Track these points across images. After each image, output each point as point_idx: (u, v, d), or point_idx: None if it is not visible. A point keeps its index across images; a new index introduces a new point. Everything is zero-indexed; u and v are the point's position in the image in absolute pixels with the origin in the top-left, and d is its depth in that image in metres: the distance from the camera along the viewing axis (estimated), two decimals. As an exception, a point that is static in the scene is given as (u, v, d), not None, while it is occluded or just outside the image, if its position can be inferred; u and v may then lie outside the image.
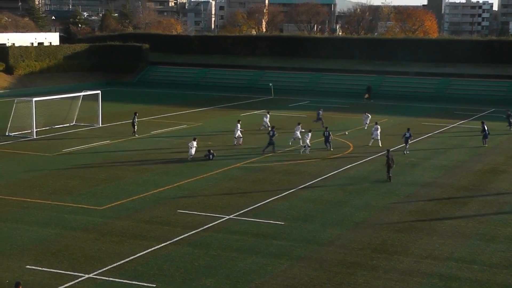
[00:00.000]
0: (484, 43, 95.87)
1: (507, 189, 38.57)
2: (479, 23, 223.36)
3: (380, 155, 46.93)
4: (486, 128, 51.07)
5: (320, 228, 30.67)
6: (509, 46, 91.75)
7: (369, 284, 24.38)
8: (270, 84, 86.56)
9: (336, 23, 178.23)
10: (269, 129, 49.51)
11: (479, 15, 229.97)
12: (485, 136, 51.02)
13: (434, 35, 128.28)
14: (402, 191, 37.51)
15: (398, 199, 35.88)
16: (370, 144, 50.00)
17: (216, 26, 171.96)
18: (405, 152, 47.36)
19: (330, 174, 41.40)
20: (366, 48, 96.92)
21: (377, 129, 50.33)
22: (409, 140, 48.12)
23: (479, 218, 32.71)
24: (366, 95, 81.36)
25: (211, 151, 45.05)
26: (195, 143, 44.94)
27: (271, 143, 47.40)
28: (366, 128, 57.39)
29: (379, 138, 50.09)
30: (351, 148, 49.62)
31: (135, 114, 55.49)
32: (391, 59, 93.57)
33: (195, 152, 44.83)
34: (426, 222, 31.88)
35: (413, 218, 32.47)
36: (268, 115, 58.10)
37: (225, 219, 31.80)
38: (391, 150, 41.44)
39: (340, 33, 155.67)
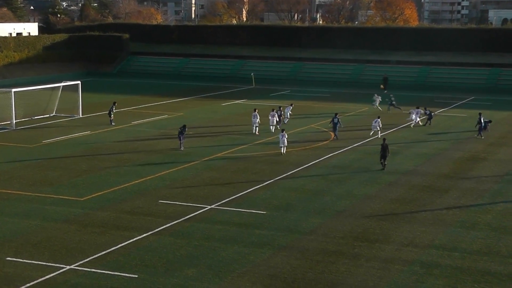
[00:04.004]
0: (464, 31, 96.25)
1: (487, 177, 38.84)
2: (458, 12, 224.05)
3: (360, 144, 47.15)
4: (482, 120, 50.38)
5: (302, 217, 30.74)
6: (489, 34, 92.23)
7: (350, 272, 24.49)
8: (251, 74, 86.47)
9: (317, 12, 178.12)
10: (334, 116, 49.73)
11: (459, 4, 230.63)
12: (480, 128, 50.27)
13: (414, 23, 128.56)
14: (383, 179, 37.66)
15: (379, 187, 36.02)
16: (370, 134, 49.69)
17: (196, 15, 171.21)
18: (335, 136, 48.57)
19: (311, 163, 41.47)
20: (346, 37, 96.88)
21: (377, 122, 49.98)
22: (337, 127, 48.98)
23: (459, 206, 32.94)
24: (382, 86, 79.83)
25: (184, 132, 44.69)
26: (286, 134, 43.73)
27: (335, 128, 49.07)
28: (375, 107, 62.46)
29: (378, 129, 49.67)
30: (332, 137, 49.70)
31: (113, 103, 55.43)
32: (371, 47, 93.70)
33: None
34: (407, 210, 32.05)
35: (394, 206, 32.63)
36: (290, 107, 56.40)
37: (207, 209, 31.78)
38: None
39: (321, 22, 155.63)
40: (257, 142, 47.64)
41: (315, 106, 63.57)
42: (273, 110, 52.07)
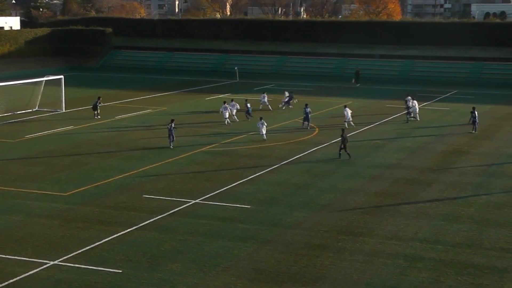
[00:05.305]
0: (447, 25, 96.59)
1: (470, 170, 39.06)
2: (441, 6, 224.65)
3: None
4: (476, 115, 49.99)
5: (286, 211, 30.77)
6: (471, 28, 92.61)
7: (335, 265, 24.55)
8: (235, 68, 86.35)
9: (300, 6, 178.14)
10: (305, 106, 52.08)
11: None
12: (474, 122, 49.74)
13: (398, 17, 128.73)
14: (367, 173, 37.76)
15: (363, 181, 36.13)
16: (349, 126, 49.98)
17: (180, 9, 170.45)
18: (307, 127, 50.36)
19: (295, 157, 41.52)
20: (330, 31, 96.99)
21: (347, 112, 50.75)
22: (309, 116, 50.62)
23: (442, 199, 33.11)
24: (353, 80, 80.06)
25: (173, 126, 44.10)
26: (265, 122, 46.35)
27: (307, 118, 50.74)
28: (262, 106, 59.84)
29: (350, 121, 50.61)
30: (316, 131, 49.81)
31: (98, 98, 55.33)
32: (355, 41, 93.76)
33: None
34: (391, 204, 32.17)
35: (378, 200, 32.74)
36: (265, 94, 61.35)
37: (191, 203, 31.75)
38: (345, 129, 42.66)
39: (305, 16, 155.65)
40: (241, 136, 47.63)
41: (299, 100, 63.52)
42: (232, 101, 54.84)
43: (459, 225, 29.24)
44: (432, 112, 59.60)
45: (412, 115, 54.33)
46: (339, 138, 42.06)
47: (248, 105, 54.58)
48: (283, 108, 59.80)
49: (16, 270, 23.60)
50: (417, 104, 55.42)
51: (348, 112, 50.83)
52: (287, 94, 61.57)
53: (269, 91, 71.82)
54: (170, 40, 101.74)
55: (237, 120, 52.84)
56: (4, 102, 54.94)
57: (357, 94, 71.71)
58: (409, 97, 56.66)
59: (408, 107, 54.65)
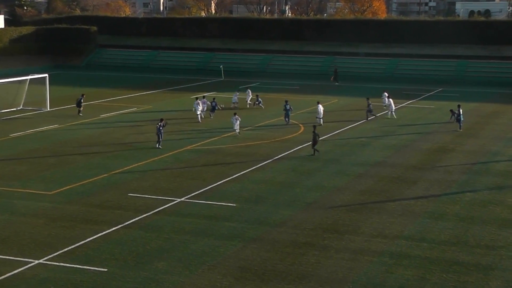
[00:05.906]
0: (431, 23, 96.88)
1: (455, 168, 39.22)
2: (426, 4, 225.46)
3: (328, 136, 47.35)
4: (461, 112, 50.41)
5: (272, 209, 30.79)
6: (456, 27, 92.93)
7: (320, 263, 24.59)
8: (221, 66, 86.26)
9: (286, 4, 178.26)
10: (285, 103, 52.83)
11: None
12: (459, 120, 50.00)
13: (383, 15, 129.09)
14: (353, 171, 37.85)
15: (349, 179, 36.21)
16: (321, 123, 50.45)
17: (165, 8, 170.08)
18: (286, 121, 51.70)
19: (281, 155, 41.54)
20: (316, 29, 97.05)
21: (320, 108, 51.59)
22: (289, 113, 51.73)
23: (428, 197, 33.24)
24: (332, 78, 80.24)
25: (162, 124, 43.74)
26: (239, 118, 47.22)
27: (287, 114, 51.93)
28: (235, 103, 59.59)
29: (321, 117, 51.17)
30: (302, 129, 49.87)
31: (82, 95, 55.22)
32: (340, 40, 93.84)
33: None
34: (376, 201, 32.26)
35: (363, 198, 32.82)
36: (237, 93, 61.54)
37: (176, 202, 31.71)
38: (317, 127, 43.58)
39: (290, 15, 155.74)
40: (226, 135, 47.60)
41: (284, 99, 63.53)
42: (204, 97, 56.66)
43: (445, 222, 29.37)
44: (417, 110, 59.83)
45: (374, 114, 54.48)
46: (320, 136, 42.26)
47: (214, 103, 54.94)
48: (262, 106, 59.67)
49: (1, 269, 23.47)
50: (392, 102, 55.66)
51: (321, 108, 51.18)
52: (250, 92, 61.77)
53: (254, 90, 71.87)
54: (155, 39, 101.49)
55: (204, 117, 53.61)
56: (-12, 101, 54.66)
57: (342, 92, 71.81)
58: (386, 93, 57.57)
59: (369, 105, 54.51)
